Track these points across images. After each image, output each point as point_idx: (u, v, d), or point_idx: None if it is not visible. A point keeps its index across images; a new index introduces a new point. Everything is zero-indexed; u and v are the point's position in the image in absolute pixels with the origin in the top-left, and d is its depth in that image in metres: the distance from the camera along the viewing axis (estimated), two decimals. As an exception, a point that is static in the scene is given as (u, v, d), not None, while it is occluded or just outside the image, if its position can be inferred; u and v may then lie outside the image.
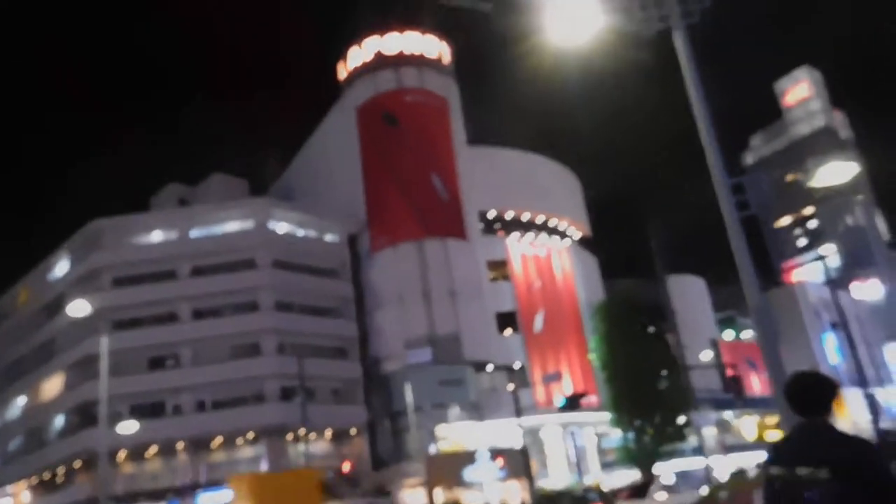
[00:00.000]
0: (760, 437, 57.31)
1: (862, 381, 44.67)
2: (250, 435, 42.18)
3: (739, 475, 26.02)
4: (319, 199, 53.77)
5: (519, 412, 36.74)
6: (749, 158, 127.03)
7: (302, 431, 43.30)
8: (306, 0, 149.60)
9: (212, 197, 53.17)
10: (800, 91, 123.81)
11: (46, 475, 45.36)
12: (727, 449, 54.04)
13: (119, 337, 43.91)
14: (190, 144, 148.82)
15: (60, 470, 44.09)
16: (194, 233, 46.52)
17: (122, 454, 41.43)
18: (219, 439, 42.21)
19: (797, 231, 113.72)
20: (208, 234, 46.52)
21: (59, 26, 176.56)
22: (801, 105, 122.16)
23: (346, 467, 37.34)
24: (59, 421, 45.49)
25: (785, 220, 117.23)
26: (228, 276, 44.56)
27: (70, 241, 47.60)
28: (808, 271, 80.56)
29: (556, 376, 41.65)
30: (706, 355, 54.65)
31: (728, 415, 60.15)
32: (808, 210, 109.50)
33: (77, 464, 42.22)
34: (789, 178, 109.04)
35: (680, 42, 11.96)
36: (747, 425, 61.88)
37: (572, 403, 33.68)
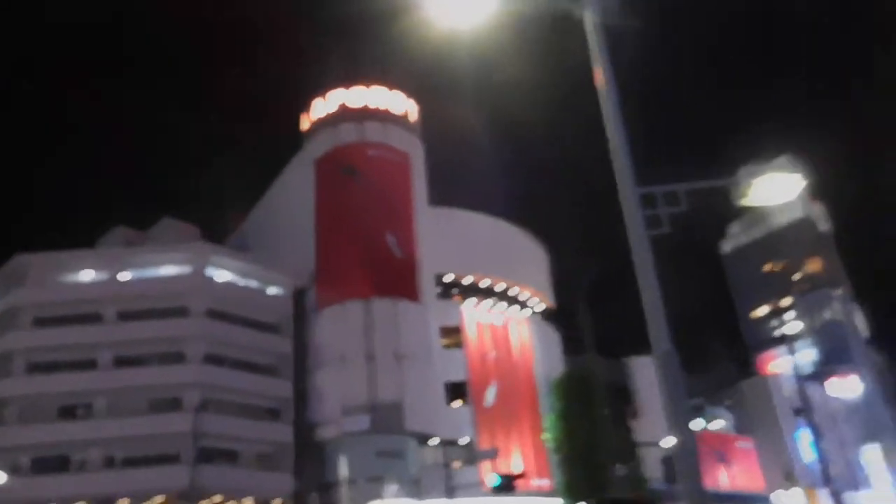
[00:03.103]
0: None
1: (826, 480, 41.56)
2: (158, 499, 38.06)
3: None
4: (274, 251, 51.25)
5: (451, 491, 33.28)
6: (727, 247, 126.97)
7: (218, 498, 39.53)
8: (276, 50, 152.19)
9: (161, 242, 50.55)
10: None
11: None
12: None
13: (32, 381, 40.85)
14: (144, 192, 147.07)
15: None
16: (125, 275, 43.63)
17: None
18: (124, 501, 38.07)
19: (774, 322, 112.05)
20: (140, 277, 43.66)
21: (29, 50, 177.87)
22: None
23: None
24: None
25: (762, 310, 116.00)
26: (156, 322, 41.44)
27: (-5, 276, 44.59)
28: (785, 363, 77.73)
29: (493, 453, 38.05)
30: (668, 443, 51.18)
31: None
32: (786, 301, 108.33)
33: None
34: (766, 268, 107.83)
35: (589, 17, 9.71)
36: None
37: (507, 485, 30.17)
